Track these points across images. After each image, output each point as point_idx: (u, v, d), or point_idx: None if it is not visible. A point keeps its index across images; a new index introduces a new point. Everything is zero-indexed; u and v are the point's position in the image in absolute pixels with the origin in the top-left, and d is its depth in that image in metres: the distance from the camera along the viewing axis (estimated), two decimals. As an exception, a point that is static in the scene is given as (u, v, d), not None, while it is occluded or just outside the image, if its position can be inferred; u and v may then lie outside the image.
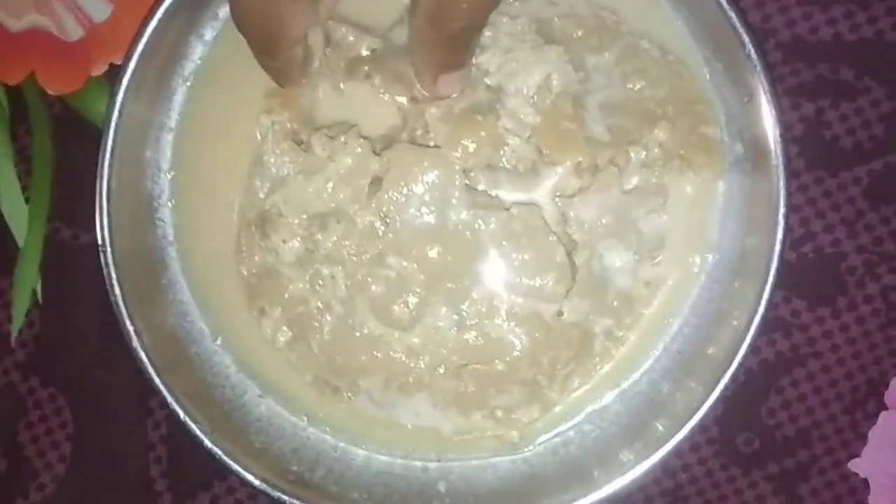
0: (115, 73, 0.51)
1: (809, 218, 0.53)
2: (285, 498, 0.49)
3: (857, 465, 0.54)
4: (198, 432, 0.49)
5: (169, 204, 0.53)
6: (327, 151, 0.49)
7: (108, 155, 0.49)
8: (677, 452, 0.49)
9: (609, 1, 0.51)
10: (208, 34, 0.52)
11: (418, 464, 0.52)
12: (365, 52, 0.50)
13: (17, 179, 0.56)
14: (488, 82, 0.49)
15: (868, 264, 0.53)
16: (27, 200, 0.56)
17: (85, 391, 0.56)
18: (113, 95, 0.49)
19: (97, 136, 0.49)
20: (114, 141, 0.49)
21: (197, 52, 0.52)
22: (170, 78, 0.52)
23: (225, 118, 0.52)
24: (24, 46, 0.56)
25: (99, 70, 0.56)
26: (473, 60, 0.48)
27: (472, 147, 0.49)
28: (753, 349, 0.50)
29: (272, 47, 0.47)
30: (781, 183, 0.48)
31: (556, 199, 0.49)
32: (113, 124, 0.49)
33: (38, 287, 0.56)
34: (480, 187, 0.49)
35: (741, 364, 0.48)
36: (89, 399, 0.56)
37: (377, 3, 0.51)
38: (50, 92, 0.56)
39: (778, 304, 0.53)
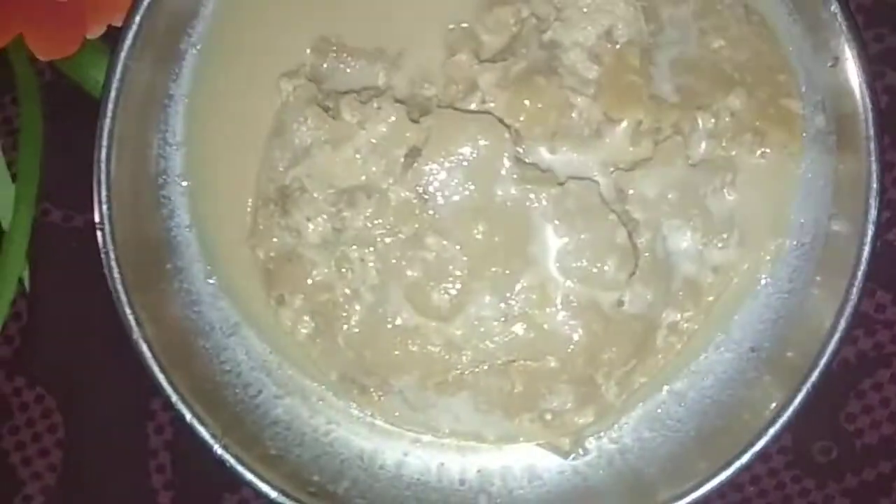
0: (114, 35, 0.50)
1: (895, 200, 0.51)
2: (306, 512, 0.49)
3: (946, 478, 0.51)
4: (206, 437, 0.48)
5: (177, 180, 0.51)
6: (357, 117, 0.48)
7: (107, 123, 0.47)
8: (745, 462, 0.48)
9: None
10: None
11: (455, 474, 0.51)
12: None
13: (1, 155, 0.55)
14: (543, 37, 0.48)
15: (961, 252, 0.51)
16: (13, 178, 0.55)
17: (77, 392, 0.54)
18: (114, 59, 0.47)
19: (93, 107, 0.48)
20: (114, 110, 0.48)
21: (208, 9, 0.51)
22: (177, 40, 0.51)
23: (240, 84, 0.51)
24: (9, 5, 0.54)
25: (96, 32, 0.54)
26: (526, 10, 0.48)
27: (537, 114, 0.47)
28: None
29: None
30: (873, 160, 0.46)
31: (613, 173, 0.48)
32: (114, 91, 0.47)
33: (26, 275, 0.55)
34: (529, 159, 0.48)
35: (826, 368, 0.46)
36: (82, 400, 0.54)
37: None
38: (40, 57, 0.55)
39: (860, 298, 0.51)
